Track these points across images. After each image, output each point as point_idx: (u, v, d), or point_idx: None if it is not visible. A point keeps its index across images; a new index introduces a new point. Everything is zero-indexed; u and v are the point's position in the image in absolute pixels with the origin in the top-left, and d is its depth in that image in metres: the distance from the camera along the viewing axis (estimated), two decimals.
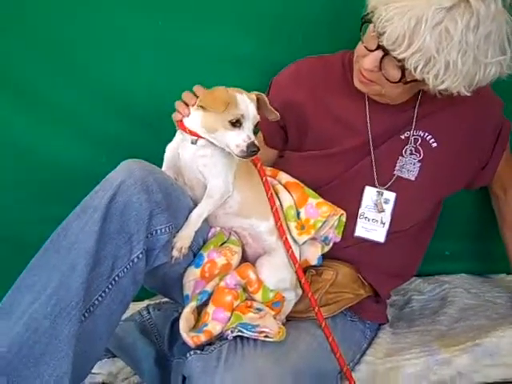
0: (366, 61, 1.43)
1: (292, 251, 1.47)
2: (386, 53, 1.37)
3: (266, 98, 1.45)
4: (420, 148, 1.56)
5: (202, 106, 1.39)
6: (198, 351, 1.30)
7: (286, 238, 1.47)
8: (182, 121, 1.45)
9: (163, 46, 1.80)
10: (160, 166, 1.48)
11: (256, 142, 1.38)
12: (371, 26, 1.39)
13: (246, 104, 1.38)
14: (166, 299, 1.73)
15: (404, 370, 1.49)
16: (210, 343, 1.33)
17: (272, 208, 1.48)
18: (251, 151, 1.36)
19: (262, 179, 1.50)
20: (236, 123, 1.37)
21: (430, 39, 1.30)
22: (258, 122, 1.41)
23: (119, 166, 1.33)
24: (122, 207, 1.27)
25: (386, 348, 1.59)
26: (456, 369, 1.48)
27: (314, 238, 1.53)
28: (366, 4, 1.40)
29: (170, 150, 1.49)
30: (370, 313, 1.63)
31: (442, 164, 1.57)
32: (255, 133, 1.41)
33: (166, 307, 1.72)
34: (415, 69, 1.34)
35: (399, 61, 1.36)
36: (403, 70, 1.37)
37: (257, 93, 1.44)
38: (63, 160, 1.88)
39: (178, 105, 1.45)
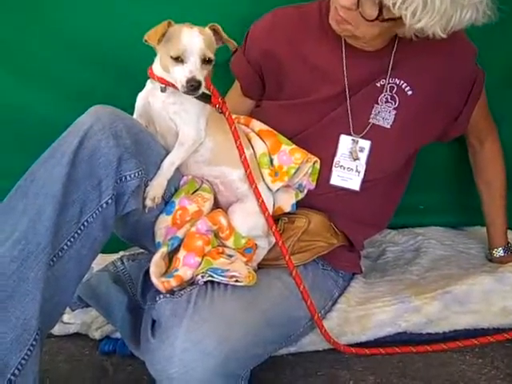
0: None
1: (262, 200, 1.45)
2: None
3: (220, 28, 1.40)
4: (395, 96, 1.54)
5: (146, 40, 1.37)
6: (168, 295, 1.29)
7: (256, 187, 1.46)
8: (151, 68, 1.43)
9: None
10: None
11: (198, 77, 1.33)
12: None
13: (191, 38, 1.34)
14: (140, 250, 1.72)
15: (375, 318, 1.50)
16: (180, 289, 1.32)
17: (241, 157, 1.46)
18: (190, 86, 1.32)
19: (230, 128, 1.48)
20: (178, 58, 1.33)
21: None
22: (210, 60, 1.36)
23: (87, 111, 1.31)
24: (90, 152, 1.25)
25: (358, 297, 1.60)
26: (426, 316, 1.49)
27: (288, 186, 1.52)
28: None
29: (140, 98, 1.46)
30: (343, 262, 1.63)
31: (417, 112, 1.56)
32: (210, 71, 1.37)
33: (141, 258, 1.70)
34: (394, 5, 1.31)
35: None
36: (381, 7, 1.34)
37: (211, 24, 1.40)
38: (33, 111, 1.84)
39: None
